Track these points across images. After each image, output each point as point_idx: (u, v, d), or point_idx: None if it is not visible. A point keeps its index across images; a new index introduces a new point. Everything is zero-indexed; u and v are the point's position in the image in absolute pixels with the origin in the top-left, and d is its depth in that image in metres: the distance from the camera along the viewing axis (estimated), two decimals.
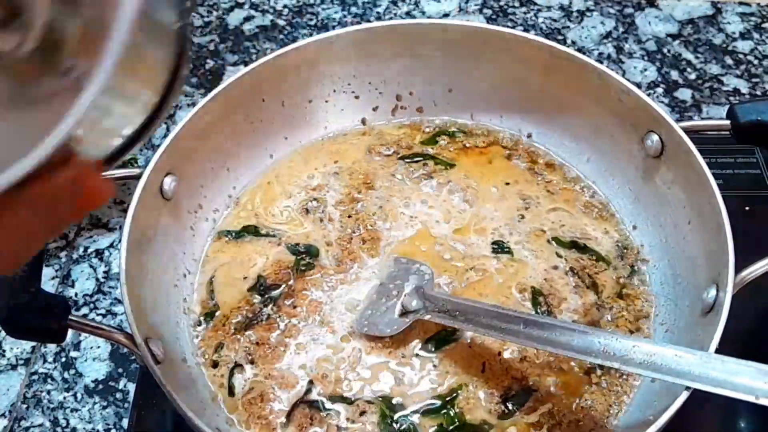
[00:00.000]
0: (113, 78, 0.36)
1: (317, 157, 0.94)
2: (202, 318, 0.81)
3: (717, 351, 0.65)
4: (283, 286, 0.83)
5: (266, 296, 0.82)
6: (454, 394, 0.75)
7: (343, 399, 0.75)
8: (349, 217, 0.88)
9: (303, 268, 0.84)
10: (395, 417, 0.74)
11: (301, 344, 0.79)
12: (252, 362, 0.78)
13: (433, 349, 0.77)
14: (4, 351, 0.88)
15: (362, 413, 0.74)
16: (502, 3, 1.20)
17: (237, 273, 0.84)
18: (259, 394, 0.76)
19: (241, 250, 0.86)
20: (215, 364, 0.78)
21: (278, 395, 0.75)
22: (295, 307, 0.81)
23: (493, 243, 0.85)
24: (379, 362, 0.77)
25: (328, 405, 0.75)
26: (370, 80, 0.95)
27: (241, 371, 0.77)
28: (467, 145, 0.94)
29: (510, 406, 0.74)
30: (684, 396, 0.64)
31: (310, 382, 0.76)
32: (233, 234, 0.87)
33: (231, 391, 0.76)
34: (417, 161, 0.93)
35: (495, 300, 0.80)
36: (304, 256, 0.85)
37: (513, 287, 0.82)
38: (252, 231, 0.88)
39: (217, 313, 0.81)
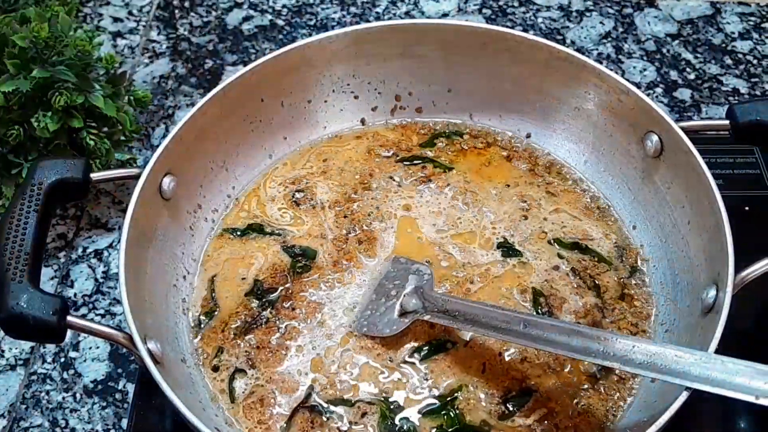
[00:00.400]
0: None
1: (310, 158, 0.93)
2: (201, 317, 0.81)
3: (717, 351, 0.65)
4: (281, 288, 0.83)
5: (264, 300, 0.82)
6: (454, 395, 0.75)
7: (343, 401, 0.75)
8: (345, 217, 0.88)
9: (299, 270, 0.84)
10: (396, 418, 0.74)
11: (301, 347, 0.78)
12: (253, 366, 0.77)
13: (430, 352, 0.77)
14: (3, 351, 0.88)
15: (363, 414, 0.74)
16: (501, 3, 1.20)
17: (239, 269, 0.84)
18: (259, 398, 0.75)
19: (245, 246, 0.86)
20: (216, 368, 0.78)
21: (279, 400, 0.75)
22: (293, 309, 0.81)
23: (498, 246, 0.85)
24: (379, 364, 0.77)
25: (329, 408, 0.74)
26: (369, 80, 0.95)
27: (243, 375, 0.77)
28: (465, 147, 0.94)
29: (510, 407, 0.74)
30: (684, 396, 0.64)
31: (311, 386, 0.76)
32: (238, 232, 0.87)
33: (231, 396, 0.76)
34: (416, 164, 0.92)
35: (495, 301, 0.80)
36: (300, 258, 0.85)
37: (514, 288, 0.81)
38: (257, 229, 0.87)
39: (216, 313, 0.81)
